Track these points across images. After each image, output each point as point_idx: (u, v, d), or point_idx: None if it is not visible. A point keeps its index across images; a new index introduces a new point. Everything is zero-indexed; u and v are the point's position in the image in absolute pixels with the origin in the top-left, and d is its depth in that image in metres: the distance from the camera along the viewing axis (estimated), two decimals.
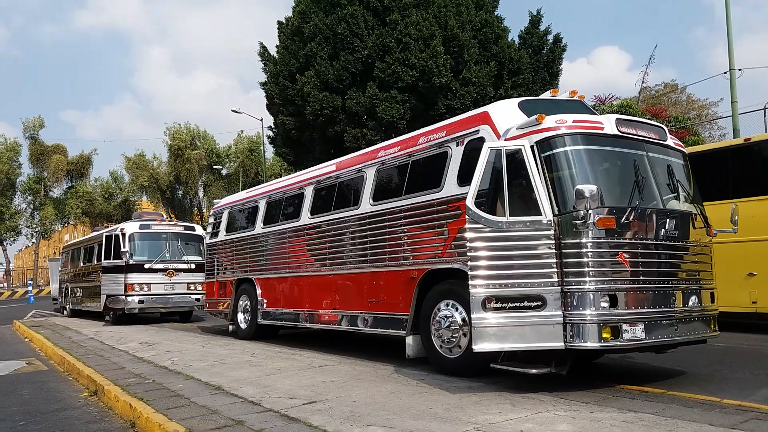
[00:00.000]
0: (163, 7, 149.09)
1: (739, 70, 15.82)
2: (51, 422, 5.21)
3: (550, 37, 21.88)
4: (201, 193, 53.01)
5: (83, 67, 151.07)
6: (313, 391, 5.31)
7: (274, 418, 4.40)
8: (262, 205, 9.85)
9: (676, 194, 5.44)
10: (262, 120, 31.44)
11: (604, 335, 4.65)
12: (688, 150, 9.36)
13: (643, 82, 28.31)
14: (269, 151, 36.35)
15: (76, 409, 5.74)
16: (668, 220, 5.15)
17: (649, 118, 21.27)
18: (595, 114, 5.76)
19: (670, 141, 5.68)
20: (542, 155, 5.05)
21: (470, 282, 4.85)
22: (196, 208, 52.44)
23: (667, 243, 5.13)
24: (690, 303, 5.23)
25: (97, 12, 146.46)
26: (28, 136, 50.33)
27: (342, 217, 7.61)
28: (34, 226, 51.04)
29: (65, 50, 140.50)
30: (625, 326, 4.71)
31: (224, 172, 52.07)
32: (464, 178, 5.72)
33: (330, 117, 20.01)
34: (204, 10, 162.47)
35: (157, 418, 4.55)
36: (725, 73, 15.45)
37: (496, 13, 21.81)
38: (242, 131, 53.49)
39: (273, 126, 24.24)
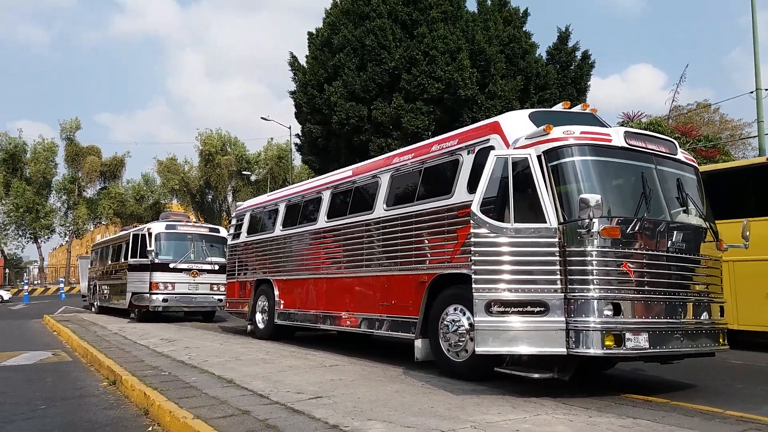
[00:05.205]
0: (198, 13, 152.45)
1: (766, 89, 15.63)
2: (70, 407, 5.44)
3: (579, 54, 21.94)
4: (230, 198, 53.84)
5: (119, 72, 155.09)
6: (320, 387, 5.45)
7: (279, 410, 4.55)
8: (281, 208, 10.08)
9: (685, 207, 5.48)
10: (290, 128, 31.93)
11: (607, 343, 4.70)
12: (709, 168, 9.37)
13: (673, 101, 27.99)
14: (297, 159, 36.88)
15: (94, 396, 5.97)
16: (676, 232, 5.19)
17: (677, 137, 21.12)
18: (606, 126, 5.84)
19: (681, 155, 5.72)
20: (549, 164, 5.15)
21: (473, 285, 4.96)
22: (225, 213, 53.25)
23: (675, 255, 5.17)
24: (698, 315, 5.25)
25: (134, 17, 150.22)
26: (64, 137, 51.74)
27: (357, 221, 7.78)
28: (68, 224, 52.32)
29: (103, 55, 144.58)
30: (628, 335, 4.76)
31: (253, 178, 52.85)
32: (474, 185, 5.78)
33: (356, 126, 20.30)
34: (238, 18, 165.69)
35: (169, 406, 4.73)
36: (751, 92, 15.28)
37: (524, 28, 21.95)
38: (272, 139, 54.25)
39: (300, 134, 24.65)
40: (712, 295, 5.46)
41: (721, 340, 5.48)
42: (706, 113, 34.22)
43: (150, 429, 4.68)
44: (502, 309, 4.89)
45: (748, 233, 5.74)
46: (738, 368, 7.12)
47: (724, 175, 9.05)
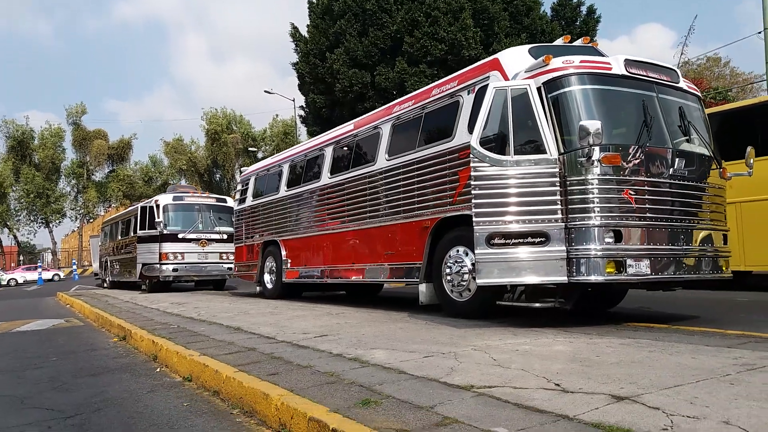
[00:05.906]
0: None
1: None
2: (80, 359, 5.54)
3: (584, 9, 21.56)
4: (237, 176, 53.89)
5: (123, 58, 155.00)
6: (326, 329, 5.50)
7: (285, 346, 4.61)
8: (285, 169, 10.07)
9: (688, 136, 5.40)
10: (294, 100, 31.84)
11: (608, 269, 4.68)
12: (716, 109, 9.22)
13: (682, 54, 27.42)
14: (303, 134, 36.80)
15: (105, 350, 6.07)
16: (678, 159, 5.12)
17: None
18: (606, 56, 5.73)
19: (683, 84, 5.62)
20: (549, 95, 5.08)
21: (474, 219, 4.93)
22: (233, 191, 53.34)
23: (677, 182, 5.11)
24: (700, 243, 5.21)
25: (135, 1, 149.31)
26: (71, 122, 51.87)
27: (359, 174, 7.75)
28: (78, 208, 52.72)
29: (106, 42, 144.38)
30: (629, 261, 4.73)
31: (260, 155, 52.79)
32: (474, 125, 5.76)
33: (359, 93, 20.14)
34: None
35: (176, 348, 4.80)
36: (759, 33, 14.93)
37: None
38: (277, 115, 54.19)
39: (304, 105, 24.51)
40: (715, 222, 5.41)
41: (724, 268, 5.45)
42: (717, 67, 33.64)
43: (158, 370, 4.75)
44: (503, 241, 4.87)
45: (752, 161, 5.66)
46: (743, 304, 7.09)
47: (730, 115, 8.92)
